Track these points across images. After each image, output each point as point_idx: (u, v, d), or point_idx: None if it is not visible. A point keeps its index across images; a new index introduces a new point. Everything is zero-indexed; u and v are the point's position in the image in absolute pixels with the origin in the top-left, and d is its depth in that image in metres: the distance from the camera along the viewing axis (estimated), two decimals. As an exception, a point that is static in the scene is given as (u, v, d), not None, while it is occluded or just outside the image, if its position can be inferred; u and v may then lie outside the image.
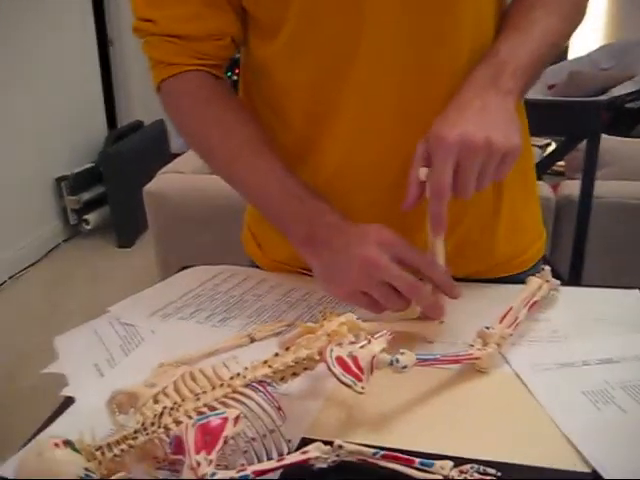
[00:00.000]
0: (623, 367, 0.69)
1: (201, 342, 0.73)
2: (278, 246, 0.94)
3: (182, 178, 1.84)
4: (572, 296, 0.85)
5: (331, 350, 0.57)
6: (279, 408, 0.53)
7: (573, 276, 1.39)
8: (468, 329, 0.74)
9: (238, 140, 0.80)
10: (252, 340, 0.74)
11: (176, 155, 2.17)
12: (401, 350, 0.60)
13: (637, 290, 0.87)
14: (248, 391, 0.53)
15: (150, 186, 1.82)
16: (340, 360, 0.57)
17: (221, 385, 0.54)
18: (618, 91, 4.37)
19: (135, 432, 0.50)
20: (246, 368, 0.56)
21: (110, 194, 3.64)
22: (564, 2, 0.81)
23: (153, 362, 0.66)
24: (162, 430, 0.50)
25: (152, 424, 0.51)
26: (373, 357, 0.58)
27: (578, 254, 1.39)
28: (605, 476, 0.53)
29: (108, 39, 4.42)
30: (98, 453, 0.49)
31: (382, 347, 0.59)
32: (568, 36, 0.82)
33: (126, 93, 4.57)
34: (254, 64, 0.85)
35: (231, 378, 0.54)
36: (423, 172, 0.70)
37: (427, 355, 0.63)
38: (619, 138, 1.83)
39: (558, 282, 0.83)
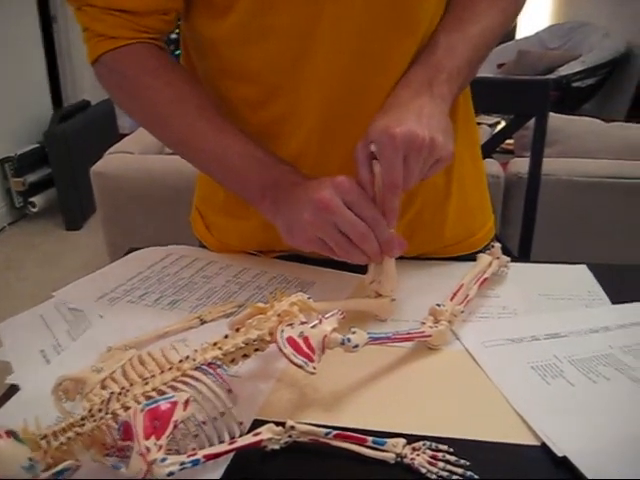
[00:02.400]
0: (570, 341, 0.71)
1: (150, 325, 0.71)
2: (227, 229, 0.92)
3: (130, 158, 1.80)
4: (521, 272, 0.86)
5: (282, 331, 0.56)
6: (230, 390, 0.52)
7: (523, 252, 1.41)
8: (420, 307, 0.75)
9: (192, 107, 0.78)
10: (202, 322, 0.73)
11: (124, 135, 2.12)
12: (352, 329, 0.60)
13: (584, 265, 0.89)
14: (198, 374, 0.52)
15: (97, 167, 1.77)
16: (291, 340, 0.56)
17: (170, 369, 0.53)
18: (565, 70, 4.45)
19: (82, 419, 0.49)
20: (196, 351, 0.55)
21: (56, 175, 3.55)
22: None
23: (101, 347, 0.64)
24: (110, 416, 0.49)
25: (99, 410, 0.49)
26: (324, 337, 0.58)
27: (527, 231, 1.41)
28: (553, 449, 0.54)
29: (51, 15, 4.28)
30: (43, 442, 0.47)
31: (333, 327, 0.59)
32: (503, 31, 0.83)
33: (72, 71, 4.44)
34: (200, 45, 0.82)
35: (180, 361, 0.53)
36: (376, 166, 0.70)
37: (379, 334, 0.63)
38: (566, 117, 1.86)
39: (508, 259, 0.84)
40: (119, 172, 1.75)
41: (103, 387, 0.52)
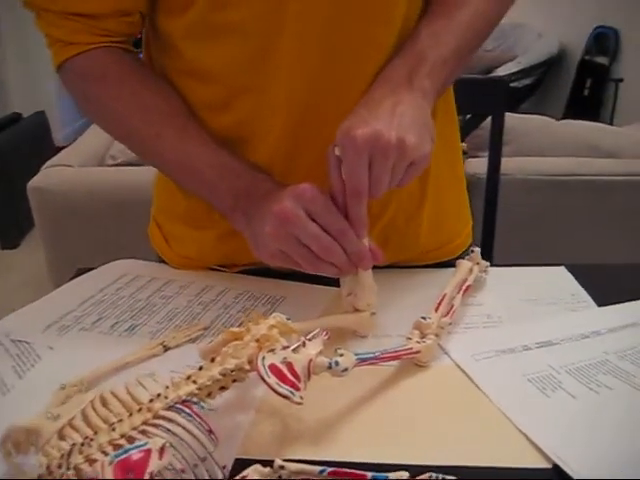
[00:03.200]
0: (564, 349, 0.67)
1: (108, 355, 0.64)
2: (186, 241, 0.86)
3: (70, 172, 1.70)
4: (499, 277, 0.82)
5: (263, 358, 0.50)
6: (210, 431, 0.46)
7: (485, 255, 1.37)
8: (401, 320, 0.70)
9: (161, 114, 0.72)
10: (166, 349, 0.66)
11: (60, 148, 2.01)
12: (339, 351, 0.54)
13: (562, 267, 0.85)
14: (172, 414, 0.45)
15: (35, 181, 1.66)
16: (274, 368, 0.50)
17: (139, 410, 0.46)
18: (502, 71, 4.51)
19: (39, 477, 0.42)
20: (167, 387, 0.48)
21: (-11, 192, 3.38)
22: None
23: (54, 384, 0.57)
24: (72, 472, 0.42)
25: (59, 466, 0.42)
26: (310, 361, 0.52)
27: (489, 232, 1.38)
28: (568, 472, 0.49)
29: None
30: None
31: (318, 349, 0.53)
32: (498, 20, 0.77)
33: (1, 83, 4.25)
34: (161, 43, 0.76)
35: (150, 400, 0.46)
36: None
37: (366, 354, 0.57)
38: (518, 115, 1.84)
39: (487, 264, 0.80)
40: (58, 187, 1.65)
41: (62, 437, 0.45)
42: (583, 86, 4.38)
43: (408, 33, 0.72)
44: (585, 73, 4.39)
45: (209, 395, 0.50)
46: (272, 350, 0.51)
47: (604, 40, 4.26)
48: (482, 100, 1.34)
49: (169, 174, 0.78)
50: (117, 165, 1.72)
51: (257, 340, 0.52)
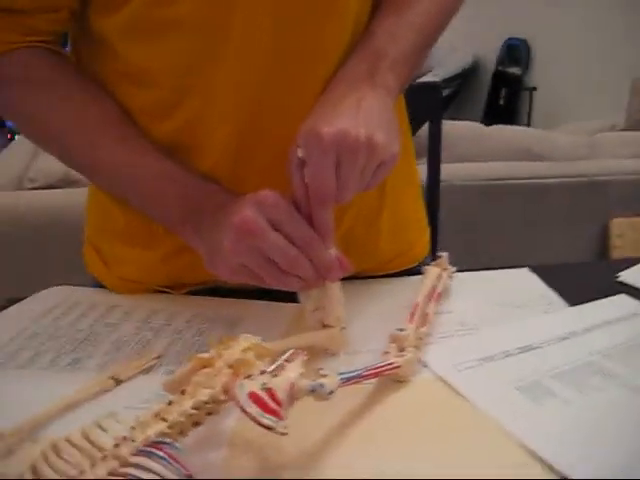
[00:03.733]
0: (545, 352, 0.63)
1: (51, 394, 0.56)
2: (127, 261, 0.78)
3: (-13, 196, 1.59)
4: (463, 282, 0.78)
5: (241, 385, 0.44)
6: (190, 476, 0.39)
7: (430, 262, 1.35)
8: (372, 333, 0.65)
9: (96, 122, 0.66)
10: (117, 382, 0.59)
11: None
12: (321, 371, 0.49)
13: (526, 269, 0.83)
14: (143, 460, 0.39)
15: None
16: (254, 396, 0.44)
17: (103, 458, 0.39)
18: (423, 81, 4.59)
19: None
20: (133, 427, 0.41)
21: None
22: None
23: (-10, 433, 0.49)
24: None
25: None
26: (291, 386, 0.46)
27: (433, 239, 1.36)
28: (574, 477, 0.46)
29: None
30: None
31: (299, 371, 0.47)
32: (450, 17, 0.74)
33: None
34: (93, 45, 0.69)
35: (115, 445, 0.40)
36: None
37: (348, 373, 0.52)
38: (449, 121, 1.84)
39: (454, 269, 0.76)
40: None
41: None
42: (498, 96, 4.50)
43: (360, 33, 0.68)
44: (500, 83, 4.52)
45: (181, 433, 0.43)
46: (249, 376, 0.45)
47: (515, 51, 4.40)
48: (419, 106, 1.32)
49: (108, 188, 0.71)
50: (37, 188, 1.61)
51: (230, 366, 0.46)
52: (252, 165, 0.70)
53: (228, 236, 0.57)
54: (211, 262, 0.61)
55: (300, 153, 0.58)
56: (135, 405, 0.55)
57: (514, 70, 4.38)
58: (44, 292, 0.79)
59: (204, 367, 0.47)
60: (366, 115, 0.59)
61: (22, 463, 0.40)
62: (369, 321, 0.68)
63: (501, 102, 4.48)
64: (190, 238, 0.64)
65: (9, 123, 4.45)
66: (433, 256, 1.35)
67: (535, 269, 0.82)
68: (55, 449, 0.41)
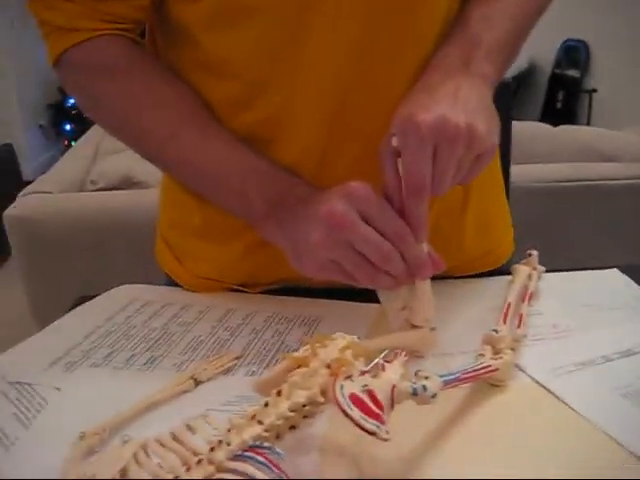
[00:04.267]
0: (649, 358, 0.59)
1: (128, 394, 0.54)
2: (203, 258, 0.75)
3: (50, 198, 1.59)
4: (549, 283, 0.74)
5: (341, 387, 0.41)
6: (291, 483, 0.36)
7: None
8: (460, 334, 0.63)
9: (177, 113, 0.64)
10: (197, 383, 0.56)
11: (28, 182, 1.88)
12: (421, 373, 0.45)
13: (615, 269, 0.78)
14: (242, 465, 0.36)
15: (12, 210, 1.54)
16: (355, 398, 0.41)
17: (199, 462, 0.36)
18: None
19: None
20: (229, 430, 0.38)
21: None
22: None
23: (68, 434, 0.48)
24: None
25: None
26: (393, 388, 0.43)
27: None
28: None
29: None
30: None
31: (400, 373, 0.44)
32: (541, 10, 0.70)
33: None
34: (171, 34, 0.67)
35: (211, 449, 0.37)
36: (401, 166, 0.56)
37: (447, 375, 0.48)
38: (516, 122, 1.79)
39: (543, 269, 0.71)
40: (38, 214, 1.53)
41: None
42: (555, 99, 4.39)
43: (452, 19, 0.65)
44: (557, 86, 4.41)
45: (277, 437, 0.40)
46: (349, 377, 0.42)
47: (574, 53, 4.29)
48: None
49: (186, 181, 0.69)
50: (99, 190, 1.62)
51: (328, 366, 0.43)
52: (340, 159, 0.67)
53: (317, 229, 0.54)
54: (297, 258, 0.58)
55: (395, 142, 0.55)
56: (216, 407, 0.52)
57: (572, 72, 4.27)
58: (115, 290, 0.77)
59: (299, 366, 0.44)
60: (465, 103, 0.56)
61: (108, 463, 0.38)
62: (457, 322, 0.65)
63: (558, 105, 4.37)
64: (272, 233, 0.61)
65: (67, 128, 4.53)
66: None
67: (625, 270, 0.77)
68: (145, 451, 0.38)
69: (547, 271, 0.74)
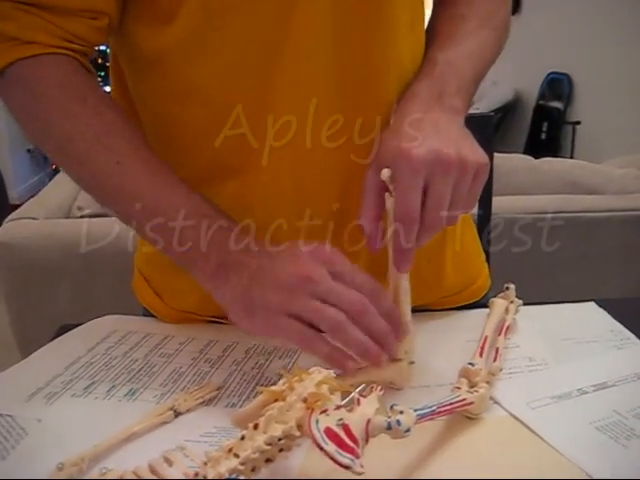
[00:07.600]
0: (623, 391, 0.60)
1: (108, 425, 0.54)
2: (182, 291, 0.75)
3: (35, 224, 1.59)
4: (528, 316, 0.75)
5: (317, 421, 0.42)
6: (265, 518, 0.37)
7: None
8: (438, 368, 0.63)
9: (124, 143, 0.62)
10: (177, 414, 0.57)
11: (16, 206, 1.88)
12: (395, 407, 0.46)
13: (592, 302, 0.79)
14: (218, 499, 0.36)
15: (-3, 237, 1.55)
16: (330, 432, 0.41)
17: (175, 495, 0.37)
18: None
19: None
20: (205, 462, 0.39)
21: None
22: (494, 15, 0.74)
23: (48, 464, 0.48)
24: None
25: None
26: (367, 422, 0.44)
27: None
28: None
29: None
30: None
31: (375, 407, 0.45)
32: (498, 52, 0.74)
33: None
34: (138, 62, 0.67)
35: (187, 482, 0.37)
36: (389, 199, 0.59)
37: (423, 409, 0.49)
38: (498, 154, 1.82)
39: (520, 302, 0.73)
40: (23, 241, 1.53)
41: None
42: (540, 130, 4.46)
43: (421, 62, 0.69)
44: (541, 117, 4.47)
45: (253, 470, 0.41)
46: (324, 411, 0.43)
47: (557, 85, 4.36)
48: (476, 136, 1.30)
49: (125, 216, 0.65)
50: (85, 216, 1.62)
51: (304, 400, 0.44)
52: (319, 182, 0.68)
53: (279, 285, 0.55)
54: (243, 312, 0.58)
55: (385, 175, 0.57)
56: (195, 438, 0.53)
57: (556, 104, 4.34)
58: (97, 321, 0.77)
59: (275, 400, 0.45)
60: (448, 134, 0.58)
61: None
62: (434, 355, 0.66)
63: (542, 136, 4.43)
64: (210, 277, 0.60)
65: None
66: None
67: (602, 303, 0.79)
68: (123, 484, 0.39)
69: (525, 304, 0.75)
